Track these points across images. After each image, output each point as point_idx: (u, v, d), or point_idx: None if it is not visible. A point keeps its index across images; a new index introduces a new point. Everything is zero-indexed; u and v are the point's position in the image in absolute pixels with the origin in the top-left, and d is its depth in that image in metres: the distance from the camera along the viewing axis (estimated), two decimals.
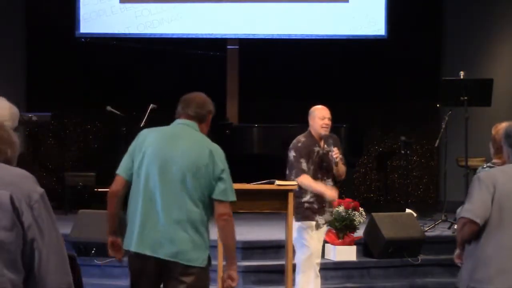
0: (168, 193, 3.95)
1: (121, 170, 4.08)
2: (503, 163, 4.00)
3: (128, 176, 4.05)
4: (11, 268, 1.88)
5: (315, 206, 6.02)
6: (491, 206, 3.60)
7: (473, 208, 3.65)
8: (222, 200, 3.98)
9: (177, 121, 4.16)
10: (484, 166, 4.73)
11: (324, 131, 6.00)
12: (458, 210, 3.81)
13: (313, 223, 6.06)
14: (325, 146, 6.04)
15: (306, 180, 5.95)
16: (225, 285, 4.10)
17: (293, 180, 5.99)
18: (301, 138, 6.07)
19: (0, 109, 3.93)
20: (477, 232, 3.64)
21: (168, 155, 3.98)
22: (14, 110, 3.99)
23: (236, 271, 4.11)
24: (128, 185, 4.07)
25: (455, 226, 6.79)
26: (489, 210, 3.60)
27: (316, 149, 6.02)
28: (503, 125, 4.48)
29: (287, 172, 6.09)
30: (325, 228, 6.34)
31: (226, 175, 4.01)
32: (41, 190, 2.05)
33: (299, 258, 6.10)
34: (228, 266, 4.11)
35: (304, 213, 6.04)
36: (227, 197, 4.00)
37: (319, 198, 6.04)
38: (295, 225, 6.02)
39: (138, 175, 4.01)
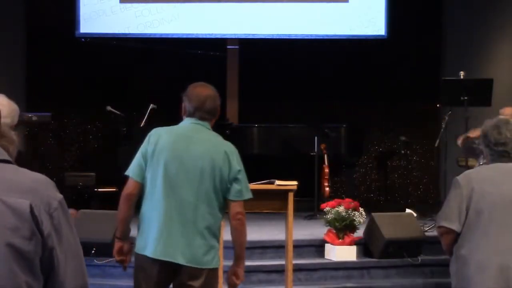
0: (186, 197, 3.86)
1: (134, 173, 3.93)
2: None
3: (141, 178, 3.91)
4: (30, 275, 1.88)
5: None
6: (468, 208, 3.62)
7: (449, 215, 3.69)
8: (237, 200, 3.95)
9: (189, 120, 4.03)
10: (481, 163, 4.74)
11: None
12: (439, 214, 3.82)
13: None
14: None
15: None
16: (229, 281, 4.06)
17: None
18: None
19: None
20: (456, 238, 3.69)
21: (185, 158, 3.88)
22: (14, 107, 3.84)
23: (243, 269, 4.08)
24: (141, 187, 3.92)
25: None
26: (464, 214, 3.63)
27: None
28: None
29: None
30: None
31: (242, 175, 3.95)
32: (60, 196, 2.04)
33: None
34: (236, 263, 4.07)
35: None
36: (242, 197, 3.95)
37: None
38: None
39: (154, 179, 3.88)
